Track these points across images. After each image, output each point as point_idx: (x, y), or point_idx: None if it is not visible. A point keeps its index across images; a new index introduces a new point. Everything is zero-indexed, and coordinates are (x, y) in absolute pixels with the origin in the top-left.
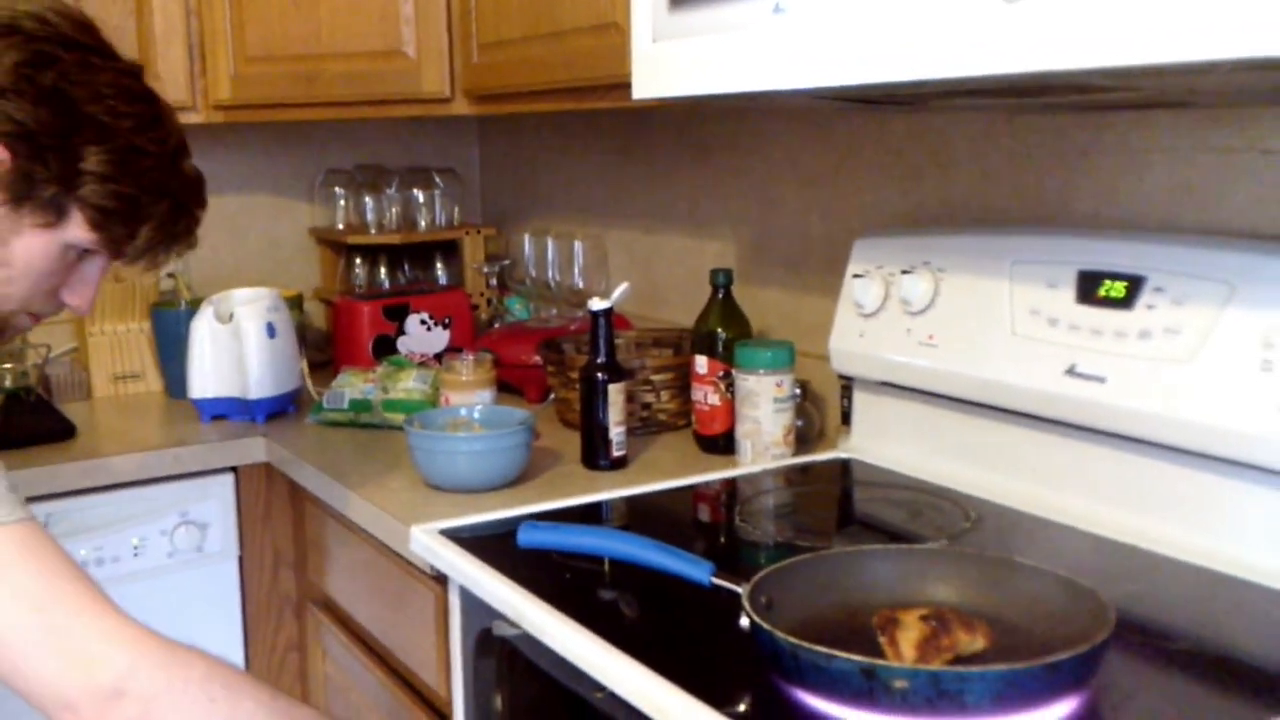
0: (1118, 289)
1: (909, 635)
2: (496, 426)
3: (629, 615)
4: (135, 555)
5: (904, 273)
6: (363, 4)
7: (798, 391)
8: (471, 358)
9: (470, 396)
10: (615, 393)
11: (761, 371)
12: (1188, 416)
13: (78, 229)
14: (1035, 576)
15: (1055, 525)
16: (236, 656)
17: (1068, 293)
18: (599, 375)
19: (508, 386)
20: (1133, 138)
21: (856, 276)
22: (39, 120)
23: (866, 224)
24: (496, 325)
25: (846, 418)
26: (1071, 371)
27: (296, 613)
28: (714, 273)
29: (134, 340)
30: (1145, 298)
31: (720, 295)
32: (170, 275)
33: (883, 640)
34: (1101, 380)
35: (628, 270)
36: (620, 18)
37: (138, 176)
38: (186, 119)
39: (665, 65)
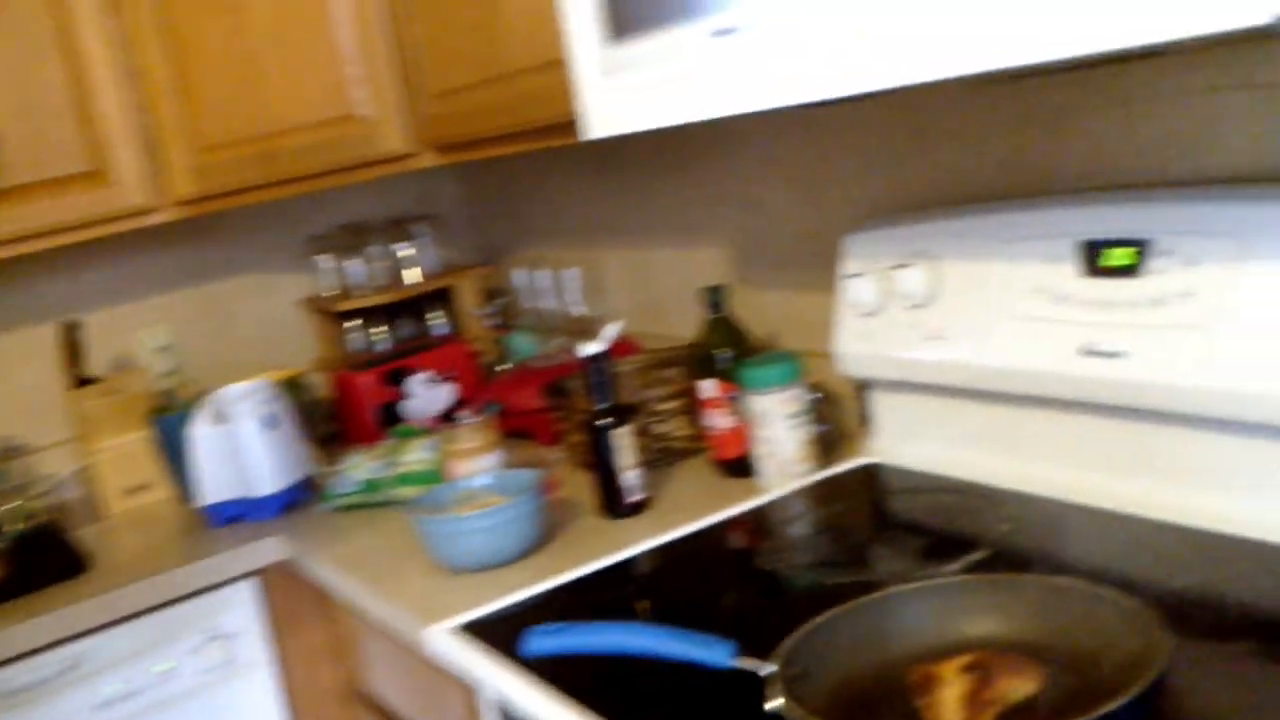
0: (1123, 256)
1: (951, 692)
2: (508, 492)
3: (658, 709)
4: (166, 682)
5: (898, 268)
6: (309, 72)
7: (819, 395)
8: (471, 421)
9: (476, 464)
10: (622, 437)
11: (769, 390)
12: (1214, 385)
13: None
14: (1078, 597)
15: (1095, 512)
16: None
17: (1070, 266)
18: (602, 422)
19: (522, 434)
20: (1110, 91)
21: (851, 277)
22: None
23: (855, 214)
24: (502, 369)
25: (867, 417)
26: (1087, 350)
27: (343, 705)
28: (705, 291)
29: (138, 451)
30: (1153, 263)
31: (715, 313)
32: (165, 375)
33: (922, 705)
34: (1120, 355)
35: (627, 288)
36: (563, 54)
37: None
38: (149, 221)
39: (612, 101)
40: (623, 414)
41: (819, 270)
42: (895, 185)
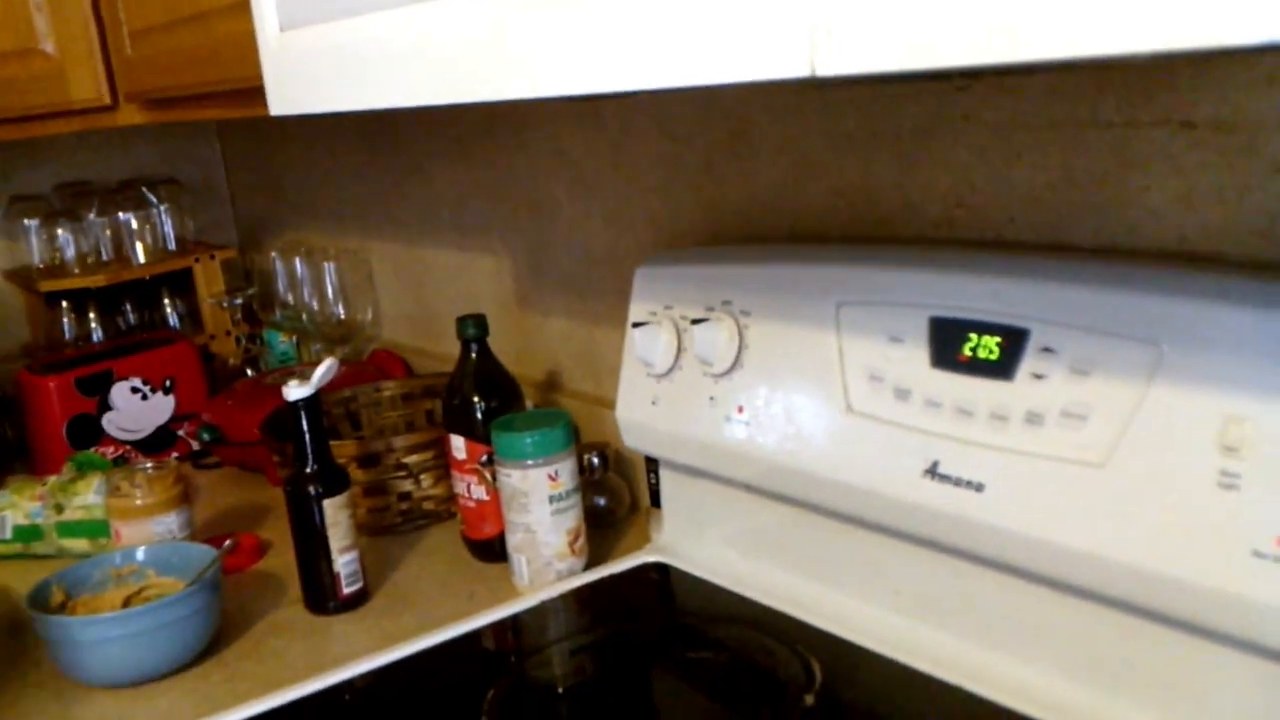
0: (989, 347)
1: None
2: (178, 573)
3: None
4: None
5: (696, 321)
6: None
7: (601, 459)
8: (149, 468)
9: (145, 527)
10: (335, 510)
11: (529, 464)
12: (1105, 552)
13: None
14: None
15: (928, 682)
16: None
17: (919, 350)
18: (310, 489)
19: (250, 467)
20: (985, 113)
21: (639, 325)
22: None
23: (657, 237)
24: (250, 373)
25: (656, 495)
26: (933, 472)
27: None
28: (461, 323)
29: None
30: (1029, 362)
31: (473, 352)
32: None
33: None
34: (975, 486)
35: (396, 292)
36: None
37: None
38: None
39: (289, 69)
40: (336, 479)
41: (616, 299)
42: (706, 206)
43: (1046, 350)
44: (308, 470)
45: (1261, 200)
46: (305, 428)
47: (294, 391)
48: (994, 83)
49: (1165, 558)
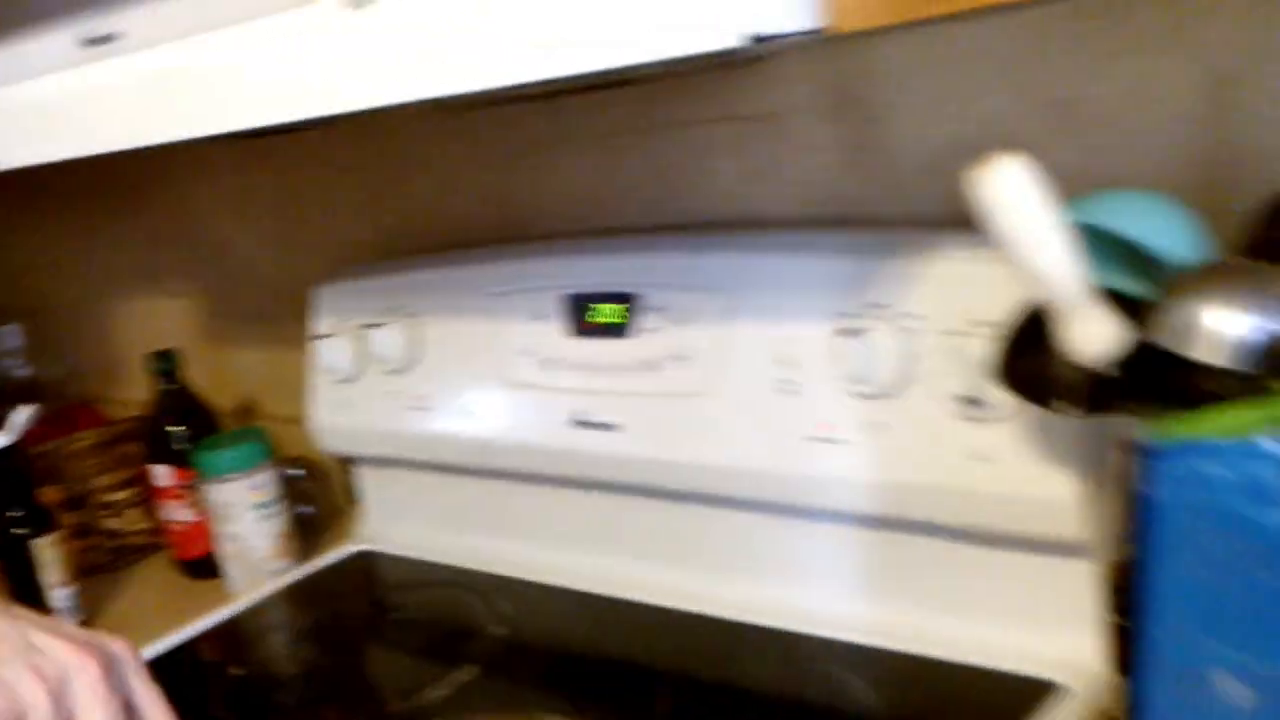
0: (610, 314)
1: None
2: None
3: None
4: None
5: (371, 326)
6: None
7: (301, 472)
8: None
9: None
10: (47, 548)
11: (231, 477)
12: (715, 461)
13: None
14: None
15: (597, 600)
16: None
17: (557, 324)
18: (17, 532)
19: None
20: (589, 124)
21: (322, 338)
22: None
23: (330, 261)
24: None
25: (356, 492)
26: (579, 421)
27: None
28: (152, 358)
29: None
30: (642, 321)
31: (166, 383)
32: None
33: None
34: (612, 428)
35: (86, 345)
36: None
37: None
38: None
39: None
40: (43, 519)
41: (300, 323)
42: (369, 226)
43: (654, 309)
44: (14, 515)
45: (794, 172)
46: (6, 475)
47: None
48: (592, 98)
49: (754, 456)
